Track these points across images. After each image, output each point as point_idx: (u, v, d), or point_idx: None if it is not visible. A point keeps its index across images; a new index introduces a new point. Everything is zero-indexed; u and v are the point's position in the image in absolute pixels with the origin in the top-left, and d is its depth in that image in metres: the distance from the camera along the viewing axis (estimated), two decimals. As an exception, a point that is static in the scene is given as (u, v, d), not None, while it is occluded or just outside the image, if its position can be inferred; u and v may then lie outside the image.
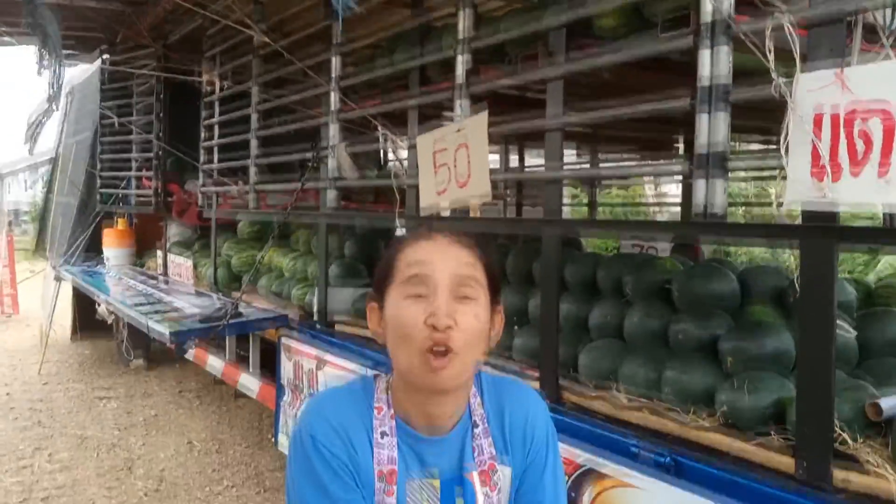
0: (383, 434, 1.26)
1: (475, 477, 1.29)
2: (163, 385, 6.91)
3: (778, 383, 2.03)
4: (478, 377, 1.35)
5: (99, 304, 7.13)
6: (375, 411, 1.27)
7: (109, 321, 7.51)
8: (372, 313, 1.30)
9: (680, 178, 6.43)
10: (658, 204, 10.34)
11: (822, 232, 1.64)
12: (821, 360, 1.64)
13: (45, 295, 8.30)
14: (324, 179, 3.79)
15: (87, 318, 8.15)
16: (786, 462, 1.78)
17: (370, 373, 1.36)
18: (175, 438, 5.37)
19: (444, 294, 1.18)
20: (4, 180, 34.14)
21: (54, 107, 5.92)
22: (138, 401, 6.36)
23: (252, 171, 4.68)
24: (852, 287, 2.69)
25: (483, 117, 2.53)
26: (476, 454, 1.29)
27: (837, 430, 1.74)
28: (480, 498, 1.28)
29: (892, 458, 1.70)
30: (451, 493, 1.28)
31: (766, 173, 7.76)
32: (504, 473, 1.31)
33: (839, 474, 1.66)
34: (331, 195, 3.67)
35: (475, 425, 1.31)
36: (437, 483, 1.28)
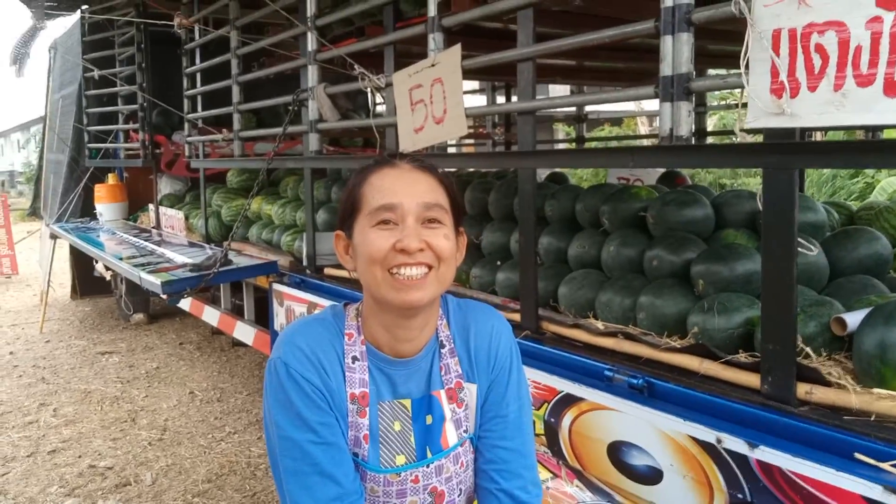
0: (354, 359, 1.31)
1: (442, 395, 1.36)
2: (163, 338, 7.01)
3: (747, 304, 2.06)
4: (444, 300, 1.42)
5: (97, 262, 7.18)
6: (346, 337, 1.33)
7: (108, 278, 7.56)
8: (339, 242, 1.35)
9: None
10: (648, 136, 10.31)
11: (782, 149, 1.64)
12: (783, 277, 1.67)
13: (42, 254, 8.35)
14: (305, 123, 3.77)
15: (85, 276, 8.21)
16: (752, 380, 1.82)
17: (338, 304, 1.41)
18: (177, 389, 5.48)
19: (411, 220, 1.23)
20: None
21: (38, 24, 5.79)
22: (140, 354, 6.47)
23: (235, 118, 4.66)
24: (829, 209, 2.71)
25: (456, 50, 2.51)
26: (443, 373, 1.37)
27: (801, 345, 1.78)
28: (448, 414, 1.35)
29: (854, 371, 1.75)
30: (420, 410, 1.35)
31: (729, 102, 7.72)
32: (470, 390, 1.38)
33: (802, 388, 1.69)
34: (313, 139, 3.66)
35: (442, 345, 1.38)
36: (408, 403, 1.34)
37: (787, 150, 1.64)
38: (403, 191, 1.25)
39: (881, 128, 3.11)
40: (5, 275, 10.85)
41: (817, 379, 1.70)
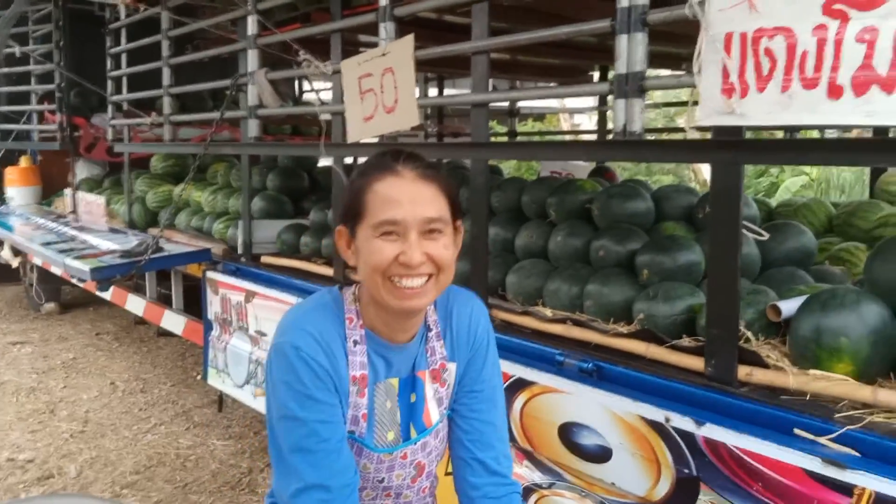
0: (355, 342, 1.38)
1: (427, 375, 1.45)
2: (78, 329, 6.75)
3: (689, 292, 2.18)
4: None
5: (1, 248, 6.84)
6: (347, 322, 1.39)
7: (14, 265, 7.21)
8: (341, 237, 1.40)
9: (594, 110, 6.60)
10: (573, 132, 10.55)
11: (730, 146, 1.75)
12: (728, 266, 1.78)
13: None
14: (244, 109, 3.72)
15: (-11, 263, 7.83)
16: (696, 363, 1.93)
17: (334, 288, 1.47)
18: (97, 380, 5.29)
19: (414, 235, 1.29)
20: None
21: None
22: (54, 345, 6.20)
23: (166, 101, 4.54)
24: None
25: (409, 40, 2.54)
26: (429, 355, 1.45)
27: (742, 329, 1.90)
28: (430, 392, 1.45)
29: (789, 354, 1.88)
30: (406, 389, 1.44)
31: (673, 101, 8.04)
32: (451, 369, 1.47)
33: (743, 370, 1.82)
34: (252, 125, 3.61)
35: (429, 329, 1.46)
36: (395, 382, 1.43)
37: (736, 147, 1.75)
38: (407, 205, 1.29)
39: (827, 127, 3.31)
40: None
41: (757, 361, 1.82)
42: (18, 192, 7.08)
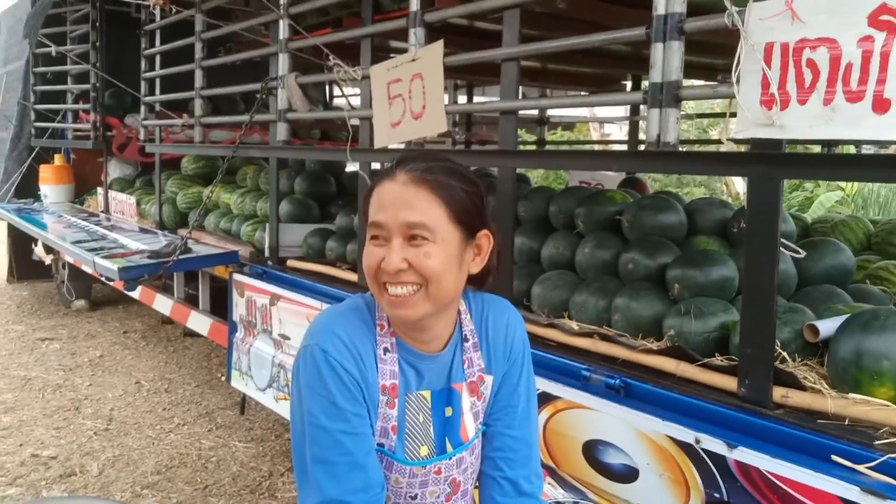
0: (385, 350, 1.33)
1: (464, 387, 1.39)
2: (106, 326, 6.80)
3: (722, 309, 2.12)
4: (465, 294, 1.43)
5: (36, 245, 6.92)
6: (378, 328, 1.34)
7: (48, 262, 7.31)
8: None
9: (625, 120, 6.52)
10: (602, 141, 10.46)
11: (768, 160, 1.69)
12: (764, 284, 1.72)
13: (-21, 235, 8.04)
14: (273, 112, 3.72)
15: (23, 259, 7.90)
16: (728, 382, 1.87)
17: (367, 293, 1.40)
18: (122, 378, 5.32)
19: (396, 240, 1.24)
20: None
21: None
22: (82, 342, 6.26)
23: (197, 103, 4.56)
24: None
25: (439, 46, 2.51)
26: (466, 366, 1.39)
27: (778, 349, 1.83)
28: (467, 405, 1.38)
29: (827, 376, 1.81)
30: (440, 402, 1.37)
31: (706, 113, 7.95)
32: (488, 382, 1.41)
33: (778, 391, 1.75)
34: (281, 129, 3.61)
35: (465, 339, 1.40)
36: (427, 394, 1.36)
37: (774, 161, 1.69)
38: (391, 209, 1.25)
39: (864, 142, 3.23)
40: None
41: (793, 383, 1.75)
42: (52, 190, 7.16)
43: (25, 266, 8.10)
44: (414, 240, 1.24)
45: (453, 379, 1.38)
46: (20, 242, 7.61)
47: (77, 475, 3.80)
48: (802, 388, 1.74)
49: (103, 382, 5.24)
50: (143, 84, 5.37)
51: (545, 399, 2.14)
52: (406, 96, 2.69)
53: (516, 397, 1.43)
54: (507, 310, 1.47)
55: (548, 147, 6.43)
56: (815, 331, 1.90)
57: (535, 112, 6.27)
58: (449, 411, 1.37)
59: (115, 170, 6.71)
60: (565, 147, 9.08)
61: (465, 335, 1.40)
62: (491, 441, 1.42)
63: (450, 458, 1.37)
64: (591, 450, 2.01)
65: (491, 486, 1.41)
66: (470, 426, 1.39)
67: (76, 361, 5.71)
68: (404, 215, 1.24)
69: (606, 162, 2.10)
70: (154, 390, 5.10)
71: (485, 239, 1.34)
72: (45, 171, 7.19)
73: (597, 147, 9.05)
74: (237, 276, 3.87)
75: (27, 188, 7.41)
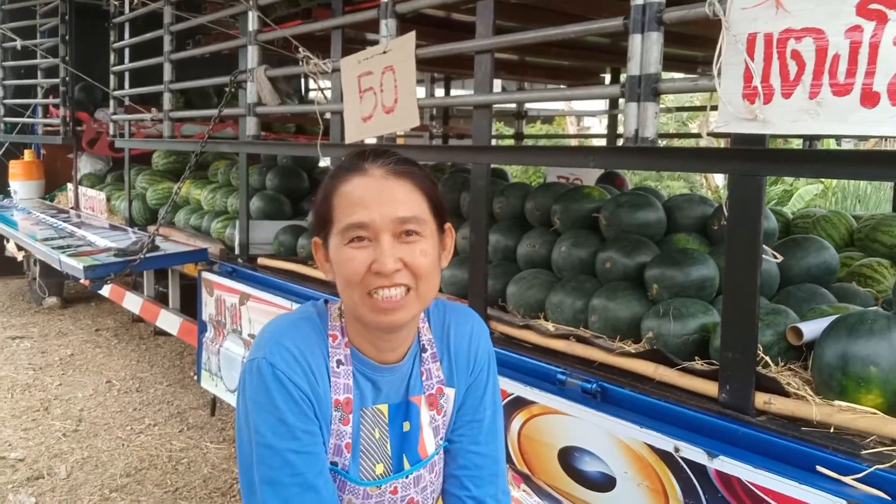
0: (339, 362, 1.23)
1: (422, 400, 1.29)
2: (78, 324, 6.67)
3: (702, 310, 2.05)
4: None
5: (7, 241, 6.77)
6: (331, 339, 1.24)
7: (20, 259, 7.15)
8: (317, 250, 1.25)
9: (604, 113, 6.45)
10: (581, 136, 10.41)
11: (751, 156, 1.62)
12: (746, 285, 1.65)
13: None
14: (242, 106, 3.61)
15: (-6, 255, 7.76)
16: (709, 387, 1.80)
17: (319, 301, 1.32)
18: (93, 378, 5.21)
19: (386, 239, 1.14)
20: None
21: None
22: (53, 340, 6.13)
23: (166, 97, 4.44)
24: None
25: (410, 38, 2.42)
26: (424, 378, 1.30)
27: (760, 353, 1.76)
28: (426, 420, 1.29)
29: (811, 381, 1.74)
30: (397, 416, 1.28)
31: (686, 106, 7.91)
32: (449, 395, 1.32)
33: (761, 397, 1.68)
34: (250, 123, 3.50)
35: (423, 349, 1.30)
36: (384, 408, 1.27)
37: (756, 157, 1.62)
38: (375, 205, 1.14)
39: (849, 137, 3.18)
40: None
41: (776, 389, 1.69)
42: (22, 186, 7.02)
43: (-4, 262, 7.94)
44: (408, 236, 1.16)
45: (411, 391, 1.29)
46: (-9, 239, 7.46)
47: (45, 478, 3.70)
48: (786, 394, 1.67)
49: (74, 382, 5.13)
50: (112, 78, 5.23)
51: (520, 403, 2.06)
52: (377, 90, 2.60)
53: (481, 411, 1.33)
54: (471, 319, 1.38)
55: (526, 141, 6.36)
56: (799, 333, 1.83)
57: (514, 106, 6.20)
58: (407, 426, 1.28)
59: (85, 165, 6.57)
60: (543, 141, 9.01)
61: (423, 345, 1.31)
62: (455, 458, 1.33)
63: (406, 477, 1.27)
64: (567, 457, 1.94)
65: None
66: (429, 442, 1.30)
67: (47, 360, 5.59)
68: (393, 210, 1.14)
69: (583, 159, 2.02)
70: (125, 390, 4.99)
71: (449, 233, 1.26)
72: (14, 166, 7.05)
73: (573, 142, 8.97)
74: (206, 275, 3.76)
75: (-3, 184, 7.27)
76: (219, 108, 3.71)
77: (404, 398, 1.29)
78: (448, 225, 1.25)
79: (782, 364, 1.84)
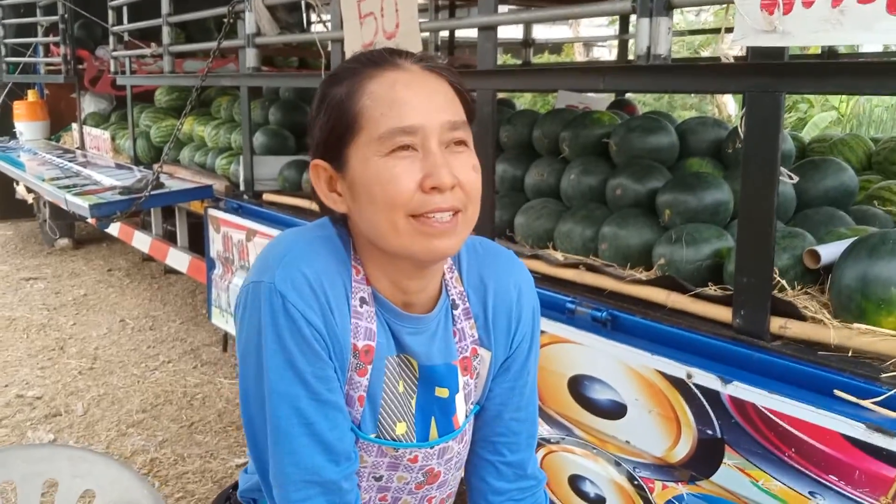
0: (362, 301, 1.04)
1: (458, 365, 1.13)
2: (90, 265, 6.70)
3: (716, 235, 1.99)
4: None
5: (17, 184, 6.76)
6: (354, 271, 1.04)
7: (30, 201, 7.15)
8: (319, 176, 1.03)
9: (614, 39, 6.25)
10: (590, 62, 10.17)
11: (770, 70, 1.54)
12: (762, 207, 1.59)
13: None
14: (241, 38, 3.51)
15: (5, 198, 7.73)
16: (722, 313, 1.75)
17: (337, 220, 1.08)
18: (107, 317, 5.25)
19: (436, 147, 0.95)
20: None
21: None
22: (66, 281, 6.17)
23: (165, 31, 4.33)
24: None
25: (410, -42, 2.31)
26: (457, 339, 1.12)
27: (776, 277, 1.71)
28: (460, 386, 1.13)
29: (829, 305, 1.70)
30: (431, 380, 1.11)
31: (698, 29, 7.68)
32: (484, 358, 1.14)
33: (776, 322, 1.64)
34: (250, 54, 3.41)
35: (454, 305, 1.12)
36: (415, 363, 1.10)
37: (775, 72, 1.53)
38: (422, 105, 0.95)
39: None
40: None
41: (792, 313, 1.64)
42: (27, 127, 6.97)
43: (8, 205, 7.93)
44: (457, 146, 0.97)
45: (448, 353, 1.11)
46: (1, 181, 7.44)
47: (62, 415, 3.75)
48: (802, 318, 1.63)
49: (88, 321, 5.17)
50: (110, 13, 5.11)
51: (529, 334, 2.03)
52: (378, 14, 2.50)
53: (524, 376, 1.18)
54: (514, 270, 1.17)
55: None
56: (817, 256, 1.77)
57: (520, 35, 6.03)
58: (445, 393, 1.11)
59: (89, 104, 6.50)
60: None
61: (454, 300, 1.12)
62: (490, 424, 1.18)
63: (431, 447, 1.11)
64: (577, 385, 1.92)
65: (484, 468, 1.20)
66: (461, 410, 1.14)
67: (60, 300, 5.63)
68: (442, 114, 0.96)
69: (592, 79, 1.94)
70: (138, 328, 5.03)
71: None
72: (18, 107, 6.99)
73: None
74: (212, 212, 3.73)
75: (2, 126, 7.21)
76: (218, 40, 3.61)
77: (445, 361, 1.11)
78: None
79: (799, 288, 1.79)
